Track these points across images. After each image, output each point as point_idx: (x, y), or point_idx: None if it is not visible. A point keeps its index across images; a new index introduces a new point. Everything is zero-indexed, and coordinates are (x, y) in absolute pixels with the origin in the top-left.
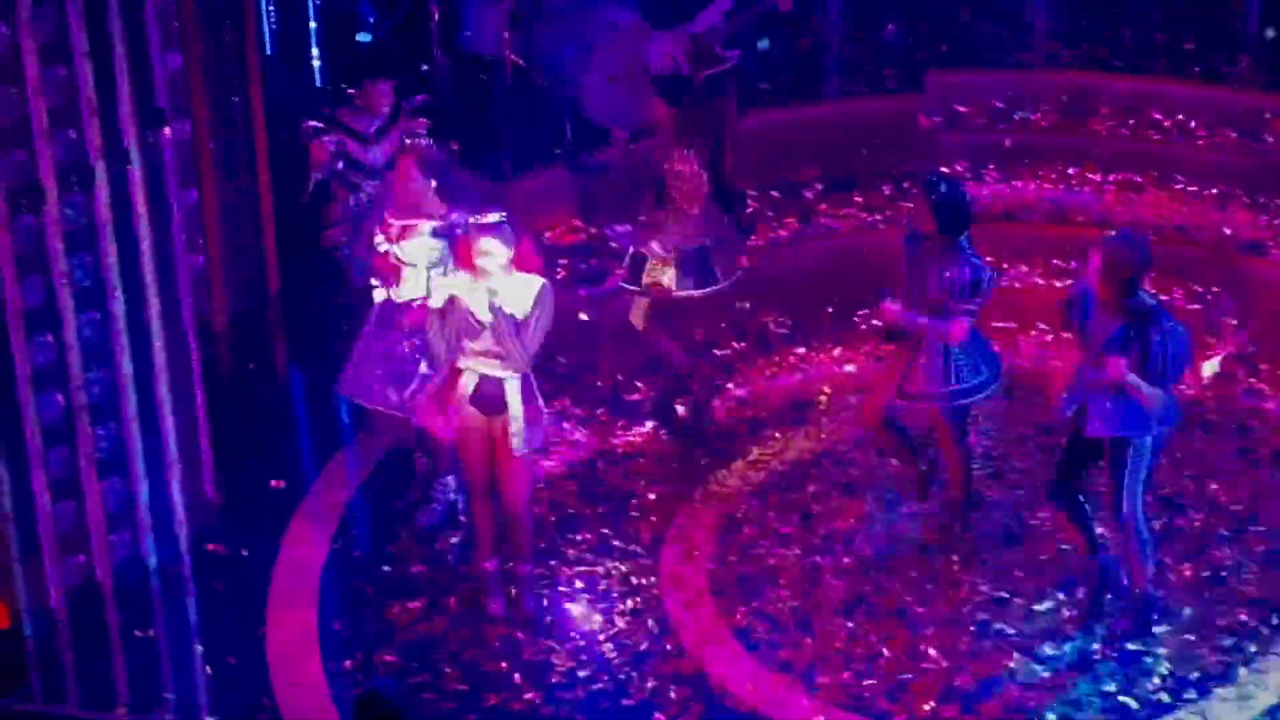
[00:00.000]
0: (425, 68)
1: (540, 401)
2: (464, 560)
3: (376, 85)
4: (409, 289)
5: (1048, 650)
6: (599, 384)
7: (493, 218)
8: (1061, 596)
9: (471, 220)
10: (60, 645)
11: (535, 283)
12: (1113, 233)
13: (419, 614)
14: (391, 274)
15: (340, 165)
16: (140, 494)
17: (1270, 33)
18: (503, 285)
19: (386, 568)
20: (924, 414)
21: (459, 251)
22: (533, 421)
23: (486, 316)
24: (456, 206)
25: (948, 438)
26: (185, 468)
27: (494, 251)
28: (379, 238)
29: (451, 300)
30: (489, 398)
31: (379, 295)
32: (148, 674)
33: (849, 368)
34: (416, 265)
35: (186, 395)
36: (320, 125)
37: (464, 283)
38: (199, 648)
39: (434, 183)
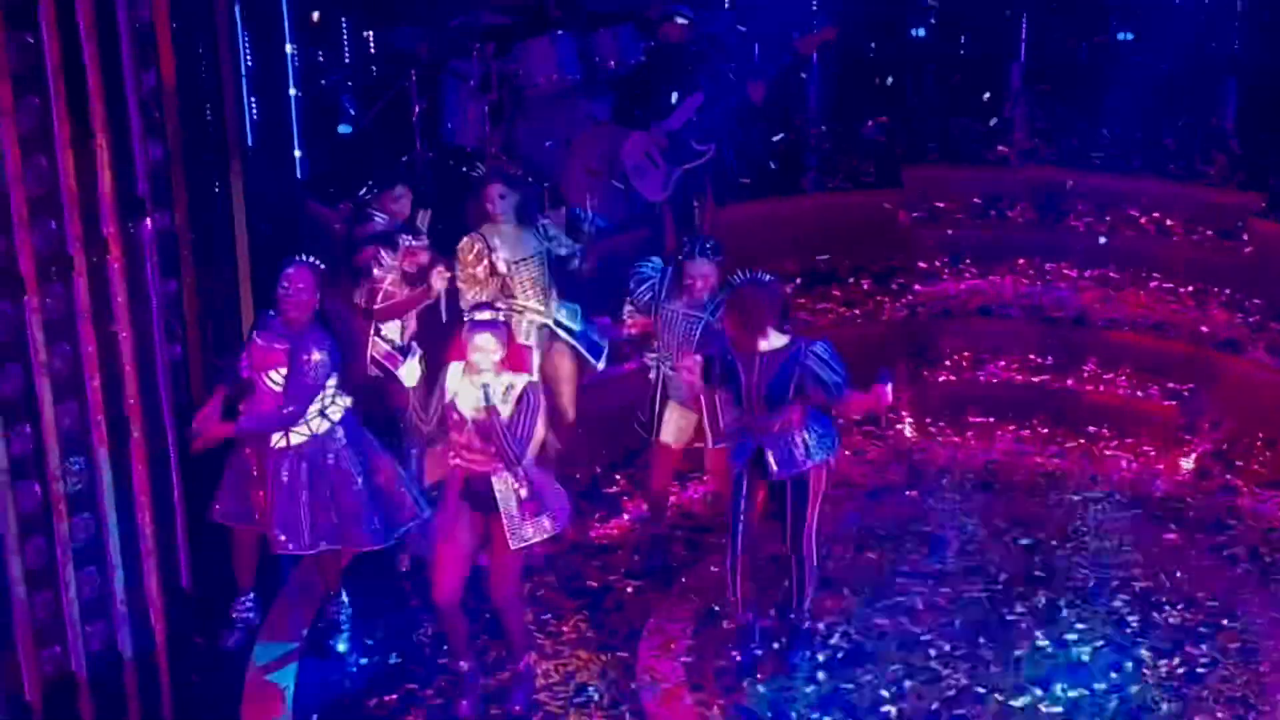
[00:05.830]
0: (406, 159)
1: (538, 493)
2: (441, 654)
3: (392, 190)
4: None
5: None
6: (578, 476)
7: (487, 315)
8: (1038, 692)
9: (468, 316)
10: None
11: (520, 381)
12: (738, 279)
13: (395, 707)
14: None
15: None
16: (116, 584)
17: None
18: (493, 381)
19: (364, 659)
20: None
21: (453, 344)
22: (529, 515)
23: (472, 411)
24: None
25: None
26: (161, 558)
27: (486, 348)
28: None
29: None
30: (478, 496)
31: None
32: None
33: None
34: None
35: (163, 485)
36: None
37: (455, 376)
38: None
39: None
